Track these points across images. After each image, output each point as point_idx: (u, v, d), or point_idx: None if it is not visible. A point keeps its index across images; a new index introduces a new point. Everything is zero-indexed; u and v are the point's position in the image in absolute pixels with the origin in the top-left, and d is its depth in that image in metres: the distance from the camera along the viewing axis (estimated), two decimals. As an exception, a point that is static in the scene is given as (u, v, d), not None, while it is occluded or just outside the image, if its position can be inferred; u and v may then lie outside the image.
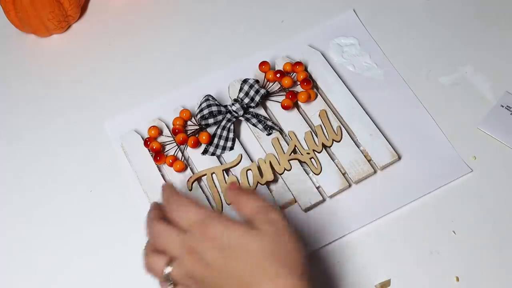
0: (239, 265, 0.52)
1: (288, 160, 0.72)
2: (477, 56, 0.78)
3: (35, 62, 0.85)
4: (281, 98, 0.75)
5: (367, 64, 0.79)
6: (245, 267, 0.52)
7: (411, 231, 0.68)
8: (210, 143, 0.73)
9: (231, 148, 0.74)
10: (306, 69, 0.77)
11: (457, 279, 0.66)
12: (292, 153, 0.72)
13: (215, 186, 0.71)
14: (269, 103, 0.76)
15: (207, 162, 0.73)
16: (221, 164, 0.73)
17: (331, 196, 0.70)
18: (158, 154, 0.73)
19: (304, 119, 0.75)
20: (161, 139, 0.75)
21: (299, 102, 0.75)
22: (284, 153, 0.72)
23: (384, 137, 0.72)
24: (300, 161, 0.72)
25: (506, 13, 0.81)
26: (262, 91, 0.74)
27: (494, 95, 0.75)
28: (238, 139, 0.75)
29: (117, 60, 0.84)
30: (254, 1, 0.86)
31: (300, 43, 0.81)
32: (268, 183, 0.71)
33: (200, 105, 0.74)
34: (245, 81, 0.74)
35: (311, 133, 0.73)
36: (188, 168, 0.73)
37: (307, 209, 0.70)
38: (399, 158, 0.72)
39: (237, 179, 0.71)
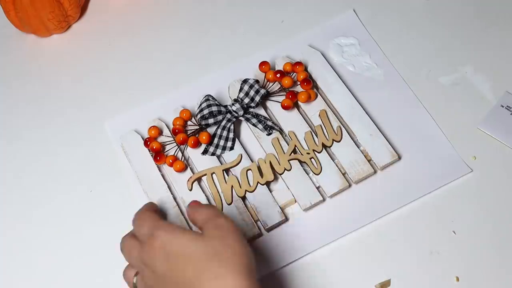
0: (184, 269, 0.53)
1: (288, 160, 0.72)
2: (477, 56, 0.78)
3: (35, 62, 0.85)
4: (281, 98, 0.75)
5: (367, 64, 0.79)
6: (189, 271, 0.53)
7: (411, 231, 0.68)
8: (210, 143, 0.73)
9: (231, 148, 0.74)
10: (306, 69, 0.77)
11: (457, 279, 0.66)
12: (292, 153, 0.72)
13: (215, 186, 0.71)
14: (269, 103, 0.76)
15: (207, 162, 0.73)
16: (221, 164, 0.73)
17: (331, 196, 0.70)
18: (158, 154, 0.73)
19: (304, 119, 0.75)
20: (161, 139, 0.75)
21: (299, 102, 0.75)
22: (284, 153, 0.72)
23: (384, 137, 0.72)
24: (300, 161, 0.72)
25: (506, 13, 0.81)
26: (262, 91, 0.74)
27: (494, 95, 0.75)
28: (238, 139, 0.75)
29: (117, 60, 0.84)
30: (254, 1, 0.86)
31: (300, 43, 0.80)
32: (268, 183, 0.71)
33: (200, 105, 0.74)
34: (245, 81, 0.74)
35: (311, 133, 0.73)
36: (188, 168, 0.73)
37: (307, 209, 0.70)
38: (399, 158, 0.72)
39: (237, 179, 0.71)
